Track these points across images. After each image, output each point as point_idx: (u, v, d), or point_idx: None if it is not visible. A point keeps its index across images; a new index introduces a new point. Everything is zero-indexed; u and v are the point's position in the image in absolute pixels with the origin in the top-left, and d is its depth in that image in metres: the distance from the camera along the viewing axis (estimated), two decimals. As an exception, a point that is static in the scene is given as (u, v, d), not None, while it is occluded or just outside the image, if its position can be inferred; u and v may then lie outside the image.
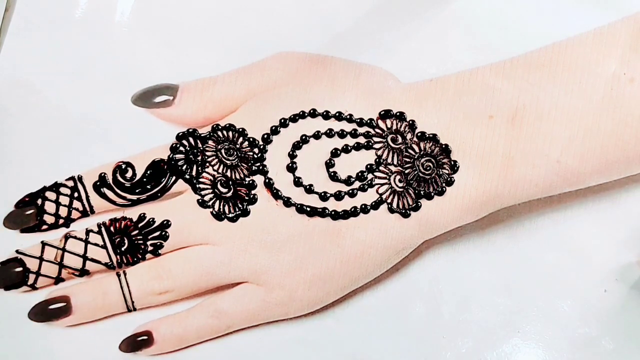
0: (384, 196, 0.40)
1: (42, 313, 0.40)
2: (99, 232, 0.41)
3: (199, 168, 0.41)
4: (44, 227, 0.42)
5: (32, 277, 0.41)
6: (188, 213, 0.40)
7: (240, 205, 0.40)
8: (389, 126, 0.41)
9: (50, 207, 0.42)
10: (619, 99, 0.38)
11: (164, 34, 0.46)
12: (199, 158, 0.41)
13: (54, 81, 0.45)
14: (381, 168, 0.40)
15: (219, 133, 0.41)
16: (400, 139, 0.40)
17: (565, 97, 0.39)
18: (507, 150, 0.39)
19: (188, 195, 0.41)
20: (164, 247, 0.41)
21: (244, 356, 0.42)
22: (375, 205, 0.40)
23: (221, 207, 0.40)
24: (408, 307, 0.42)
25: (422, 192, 0.40)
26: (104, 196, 0.41)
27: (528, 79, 0.39)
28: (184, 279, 0.40)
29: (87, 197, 0.42)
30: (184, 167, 0.41)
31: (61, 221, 0.42)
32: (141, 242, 0.41)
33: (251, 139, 0.41)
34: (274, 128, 0.41)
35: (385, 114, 0.41)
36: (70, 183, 0.42)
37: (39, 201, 0.42)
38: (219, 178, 0.41)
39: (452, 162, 0.40)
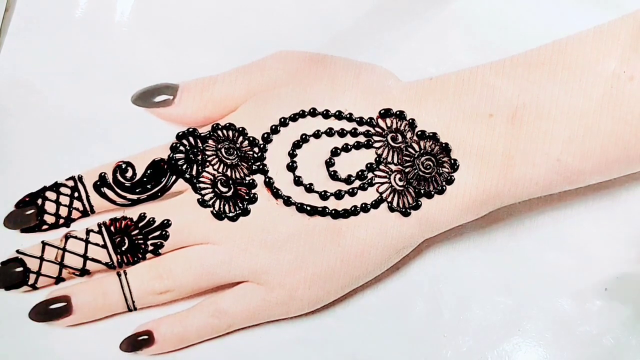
0: (384, 195, 0.40)
1: (43, 313, 0.40)
2: (100, 232, 0.41)
3: (199, 167, 0.41)
4: (45, 227, 0.42)
5: (32, 277, 0.41)
6: (188, 212, 0.40)
7: (240, 205, 0.40)
8: (389, 125, 0.41)
9: (50, 207, 0.42)
10: (619, 97, 0.38)
11: (164, 34, 0.46)
12: (199, 157, 0.41)
13: (54, 81, 0.45)
14: (381, 167, 0.40)
15: (219, 132, 0.41)
16: (400, 138, 0.40)
17: (565, 96, 0.39)
18: (507, 148, 0.39)
19: (188, 195, 0.41)
20: (165, 247, 0.41)
21: (244, 356, 0.42)
22: (376, 204, 0.40)
23: (221, 206, 0.40)
24: (408, 306, 0.42)
25: (422, 191, 0.40)
26: (104, 196, 0.41)
27: (528, 78, 0.39)
28: (185, 278, 0.40)
29: (88, 196, 0.42)
30: (184, 167, 0.41)
31: (61, 221, 0.42)
32: (141, 241, 0.41)
33: (251, 138, 0.41)
34: (274, 127, 0.41)
35: (385, 113, 0.41)
36: (71, 183, 0.42)
37: (39, 201, 0.42)
38: (219, 177, 0.41)
39: (452, 161, 0.40)
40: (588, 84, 0.38)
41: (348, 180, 0.40)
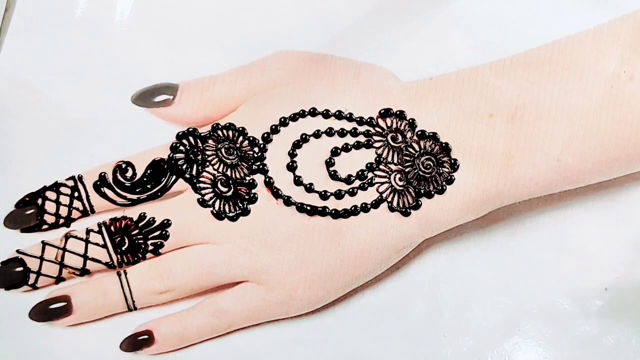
0: (384, 195, 0.40)
1: (43, 312, 0.40)
2: (100, 232, 0.41)
3: (199, 167, 0.41)
4: (45, 226, 0.42)
5: (32, 276, 0.41)
6: (188, 212, 0.40)
7: (240, 205, 0.40)
8: (389, 125, 0.41)
9: (50, 206, 0.42)
10: (619, 97, 0.38)
11: (164, 34, 0.46)
12: (199, 157, 0.41)
13: (54, 81, 0.45)
14: (381, 167, 0.40)
15: (219, 132, 0.41)
16: (400, 138, 0.40)
17: (565, 96, 0.39)
18: (507, 148, 0.39)
19: (188, 195, 0.41)
20: (165, 247, 0.41)
21: (244, 356, 0.42)
22: (376, 204, 0.40)
23: (221, 206, 0.40)
24: (408, 306, 0.42)
25: (422, 191, 0.40)
26: (104, 196, 0.41)
27: (528, 78, 0.39)
28: (185, 278, 0.40)
29: (88, 196, 0.42)
30: (184, 167, 0.41)
31: (61, 221, 0.42)
32: (141, 241, 0.41)
33: (251, 138, 0.41)
34: (274, 127, 0.41)
35: (385, 113, 0.41)
36: (71, 183, 0.42)
37: (40, 201, 0.42)
38: (219, 177, 0.41)
39: (452, 161, 0.40)
40: (588, 84, 0.38)
41: (348, 180, 0.40)
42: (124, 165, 0.41)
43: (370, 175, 0.40)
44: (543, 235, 0.43)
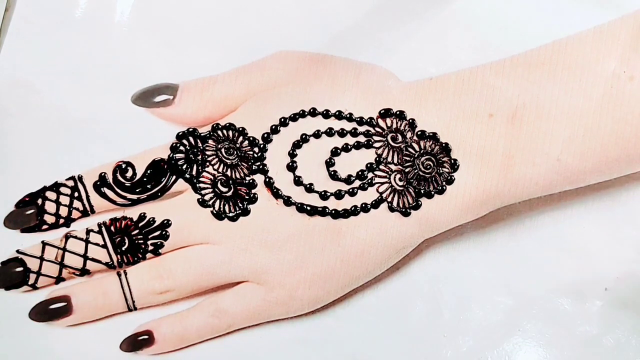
0: (384, 195, 0.40)
1: (43, 313, 0.40)
2: (100, 232, 0.41)
3: (199, 167, 0.41)
4: (45, 226, 0.42)
5: (32, 276, 0.41)
6: (188, 212, 0.40)
7: (240, 205, 0.40)
8: (389, 125, 0.41)
9: (50, 206, 0.42)
10: (619, 97, 0.38)
11: (164, 34, 0.46)
12: (199, 157, 0.41)
13: (54, 81, 0.45)
14: (381, 167, 0.40)
15: (219, 132, 0.41)
16: (400, 138, 0.40)
17: (565, 96, 0.39)
18: (507, 148, 0.39)
19: (188, 195, 0.41)
20: (165, 247, 0.41)
21: (244, 356, 0.42)
22: (376, 204, 0.40)
23: (221, 206, 0.40)
24: (408, 306, 0.42)
25: (422, 191, 0.40)
26: (104, 196, 0.41)
27: (528, 78, 0.39)
28: (185, 278, 0.40)
29: (88, 196, 0.42)
30: (184, 167, 0.41)
31: (61, 221, 0.42)
32: (142, 241, 0.41)
33: (251, 138, 0.41)
34: (274, 127, 0.41)
35: (385, 113, 0.41)
36: (71, 183, 0.42)
37: (39, 201, 0.42)
38: (219, 177, 0.41)
39: (452, 161, 0.40)
40: (588, 84, 0.38)
41: (348, 180, 0.40)
42: (124, 165, 0.41)
43: (370, 175, 0.40)
44: (543, 235, 0.43)
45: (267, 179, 0.40)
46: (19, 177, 0.43)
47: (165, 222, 0.40)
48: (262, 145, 0.41)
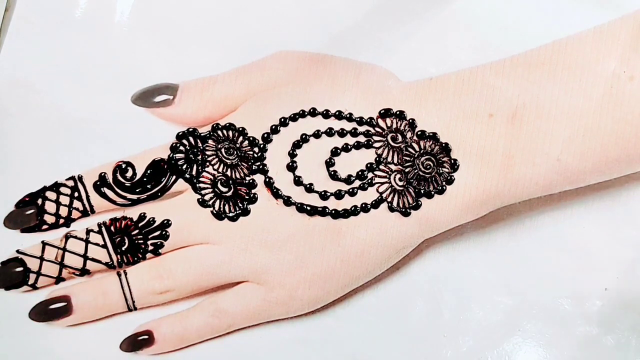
0: (384, 195, 0.40)
1: (43, 313, 0.40)
2: (100, 232, 0.41)
3: (199, 167, 0.41)
4: (45, 226, 0.42)
5: (32, 276, 0.41)
6: (188, 212, 0.40)
7: (240, 205, 0.40)
8: (389, 125, 0.41)
9: (50, 206, 0.42)
10: (619, 97, 0.38)
11: (164, 34, 0.46)
12: (199, 157, 0.41)
13: (54, 81, 0.45)
14: (381, 167, 0.40)
15: (219, 132, 0.41)
16: (400, 138, 0.40)
17: (565, 96, 0.39)
18: (507, 148, 0.39)
19: (188, 195, 0.41)
20: (165, 247, 0.41)
21: (244, 356, 0.42)
22: (376, 204, 0.40)
23: (221, 206, 0.40)
24: (408, 306, 0.42)
25: (422, 191, 0.40)
26: (104, 196, 0.41)
27: (528, 78, 0.39)
28: (185, 278, 0.40)
29: (88, 196, 0.42)
30: (184, 167, 0.41)
31: (61, 221, 0.42)
32: (141, 241, 0.41)
33: (251, 138, 0.41)
34: (274, 127, 0.41)
35: (385, 113, 0.41)
36: (71, 183, 0.42)
37: (39, 201, 0.42)
38: (219, 177, 0.41)
39: (452, 161, 0.40)
40: (588, 84, 0.38)
41: (348, 180, 0.40)
42: (124, 165, 0.41)
43: (370, 175, 0.40)
44: (543, 235, 0.43)
45: (267, 179, 0.40)
46: (19, 177, 0.43)
47: (165, 222, 0.40)
48: (262, 145, 0.41)
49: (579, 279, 0.42)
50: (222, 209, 0.40)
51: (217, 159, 0.41)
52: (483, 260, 0.43)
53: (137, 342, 0.41)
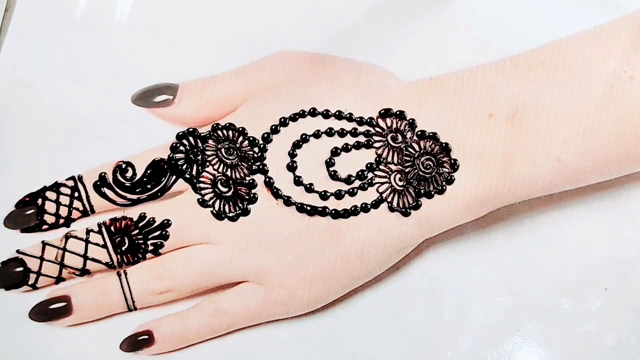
0: (384, 195, 0.40)
1: (43, 313, 0.40)
2: (100, 232, 0.41)
3: (199, 167, 0.41)
4: (45, 226, 0.42)
5: (32, 276, 0.41)
6: (188, 212, 0.40)
7: (240, 205, 0.40)
8: (389, 125, 0.41)
9: (50, 206, 0.42)
10: (619, 97, 0.38)
11: (164, 34, 0.46)
12: (199, 157, 0.41)
13: (54, 81, 0.45)
14: (381, 167, 0.40)
15: (219, 132, 0.41)
16: (400, 138, 0.40)
17: (565, 96, 0.39)
18: (507, 148, 0.39)
19: (188, 195, 0.41)
20: (165, 247, 0.41)
21: (244, 356, 0.42)
22: (376, 204, 0.40)
23: (221, 206, 0.40)
24: (408, 306, 0.42)
25: (422, 191, 0.40)
26: (104, 196, 0.41)
27: (528, 78, 0.39)
28: (185, 278, 0.40)
29: (88, 196, 0.42)
30: (184, 167, 0.41)
31: (61, 221, 0.42)
32: (142, 241, 0.41)
33: (251, 138, 0.41)
34: (274, 127, 0.41)
35: (385, 113, 0.41)
36: (71, 183, 0.42)
37: (40, 201, 0.42)
38: (219, 177, 0.41)
39: (452, 161, 0.40)
40: (588, 84, 0.38)
41: (348, 180, 0.40)
42: (124, 165, 0.41)
43: (370, 175, 0.40)
44: (543, 235, 0.43)
45: (267, 179, 0.40)
46: (19, 177, 0.43)
47: (165, 222, 0.40)
48: (262, 145, 0.41)
49: (579, 279, 0.42)
50: (222, 209, 0.40)
51: (217, 159, 0.41)
52: (483, 260, 0.43)
53: (137, 342, 0.41)
